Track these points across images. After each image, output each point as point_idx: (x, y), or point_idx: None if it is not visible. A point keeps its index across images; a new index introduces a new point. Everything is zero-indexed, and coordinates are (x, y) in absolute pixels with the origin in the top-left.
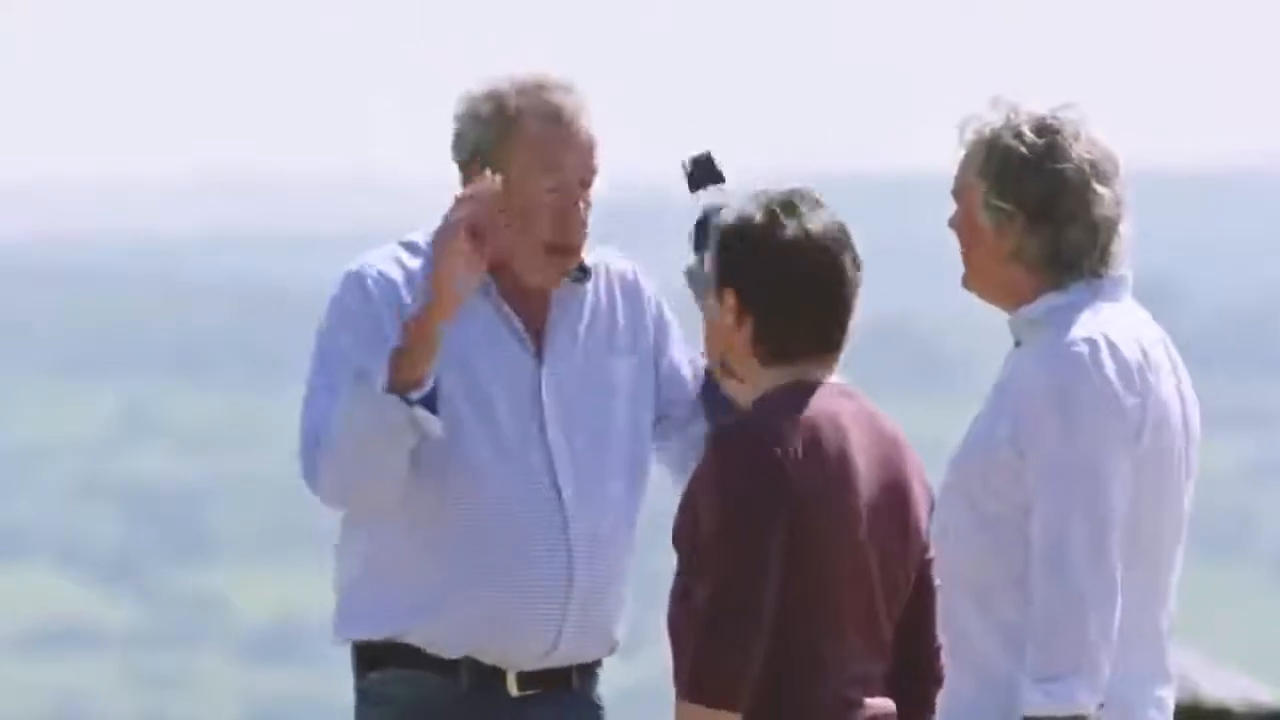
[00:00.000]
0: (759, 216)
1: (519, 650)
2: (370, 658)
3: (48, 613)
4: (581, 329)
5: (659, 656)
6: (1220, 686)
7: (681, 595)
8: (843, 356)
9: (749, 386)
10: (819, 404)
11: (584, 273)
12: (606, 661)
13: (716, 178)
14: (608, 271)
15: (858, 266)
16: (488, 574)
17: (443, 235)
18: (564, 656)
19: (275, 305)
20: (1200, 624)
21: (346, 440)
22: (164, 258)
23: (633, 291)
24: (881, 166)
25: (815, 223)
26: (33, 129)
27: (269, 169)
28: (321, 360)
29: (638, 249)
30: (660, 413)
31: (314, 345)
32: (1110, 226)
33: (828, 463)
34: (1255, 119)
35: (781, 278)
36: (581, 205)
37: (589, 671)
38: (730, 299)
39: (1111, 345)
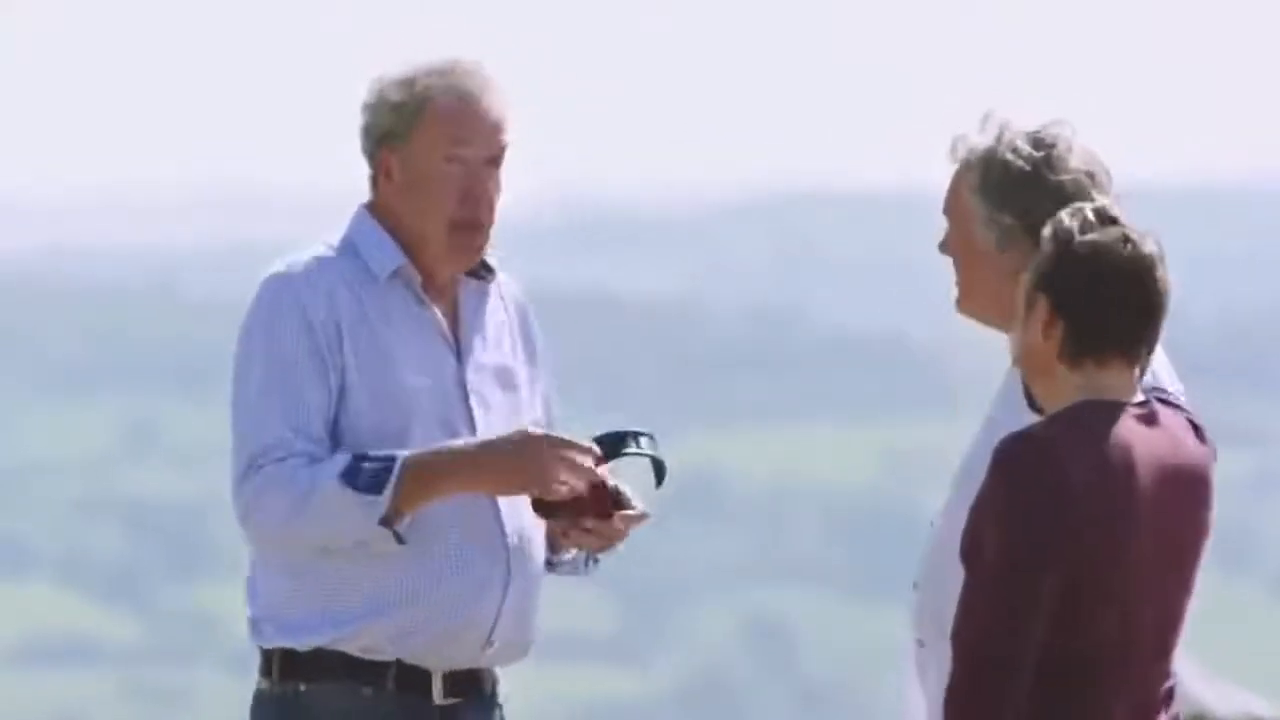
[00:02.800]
0: (1075, 224)
1: (457, 645)
2: (294, 666)
3: (48, 627)
4: (489, 330)
5: (669, 668)
6: (1222, 701)
7: (966, 613)
8: (834, 369)
9: (1050, 400)
10: (1113, 427)
11: (489, 270)
12: (604, 669)
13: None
14: (500, 285)
15: (1168, 279)
16: (429, 575)
17: (541, 469)
18: (495, 654)
19: None
20: (1201, 639)
21: (310, 529)
22: (167, 273)
23: (523, 311)
24: (883, 180)
25: (1132, 231)
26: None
27: (273, 184)
28: (258, 367)
29: (637, 252)
30: None
31: (243, 347)
32: None
33: (1111, 492)
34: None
35: (1096, 282)
36: (490, 184)
37: (495, 676)
38: (1042, 305)
39: (1152, 374)
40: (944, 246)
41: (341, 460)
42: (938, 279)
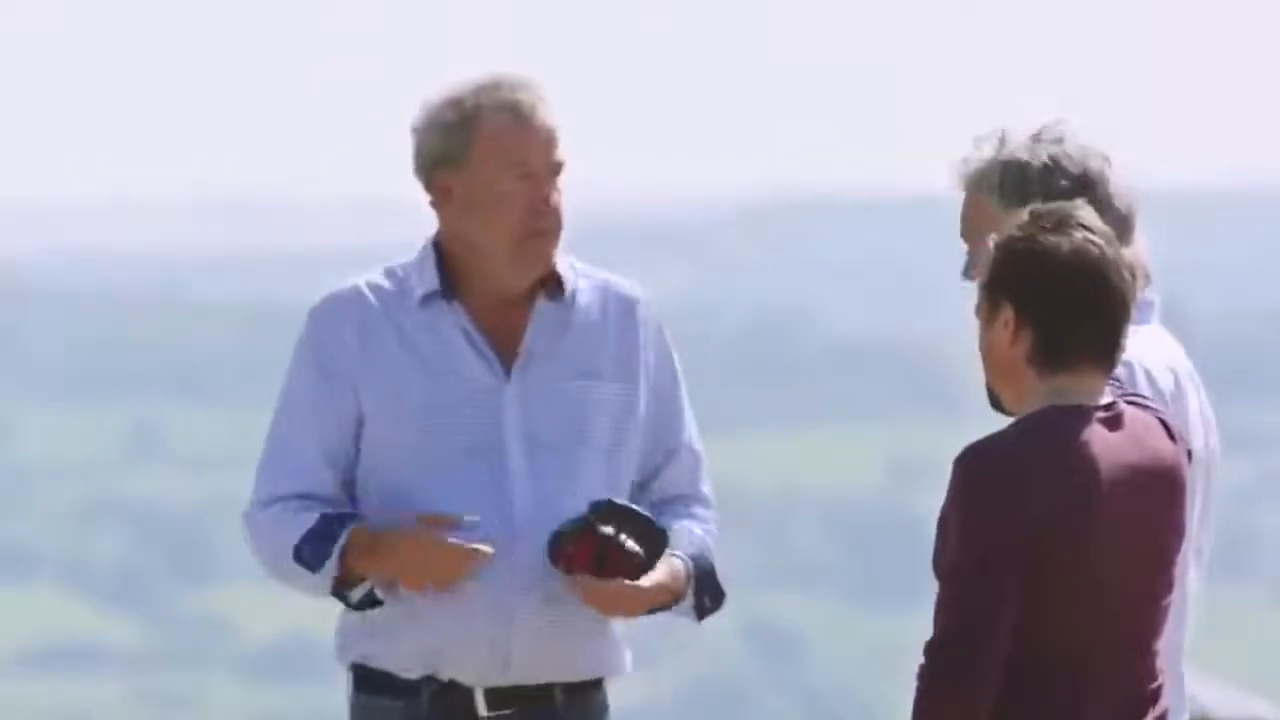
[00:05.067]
0: (1033, 229)
1: (473, 663)
2: (359, 680)
3: (53, 631)
4: (561, 346)
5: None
6: (1225, 705)
7: (935, 619)
8: (836, 375)
9: (1015, 404)
10: (1075, 433)
11: (563, 289)
12: (630, 677)
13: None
14: (607, 296)
15: (1133, 278)
16: (428, 595)
17: (445, 565)
18: (527, 670)
19: (281, 325)
20: (1203, 643)
21: (287, 583)
22: (170, 278)
23: (625, 324)
24: (884, 186)
25: (1095, 233)
26: (38, 146)
27: (276, 188)
28: (280, 405)
29: (638, 260)
30: (644, 468)
31: (275, 419)
32: (1126, 230)
33: (1071, 501)
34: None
35: (1059, 286)
36: (552, 195)
37: (579, 691)
38: (1007, 310)
39: (1148, 373)
40: (968, 271)
41: (306, 524)
42: (939, 284)
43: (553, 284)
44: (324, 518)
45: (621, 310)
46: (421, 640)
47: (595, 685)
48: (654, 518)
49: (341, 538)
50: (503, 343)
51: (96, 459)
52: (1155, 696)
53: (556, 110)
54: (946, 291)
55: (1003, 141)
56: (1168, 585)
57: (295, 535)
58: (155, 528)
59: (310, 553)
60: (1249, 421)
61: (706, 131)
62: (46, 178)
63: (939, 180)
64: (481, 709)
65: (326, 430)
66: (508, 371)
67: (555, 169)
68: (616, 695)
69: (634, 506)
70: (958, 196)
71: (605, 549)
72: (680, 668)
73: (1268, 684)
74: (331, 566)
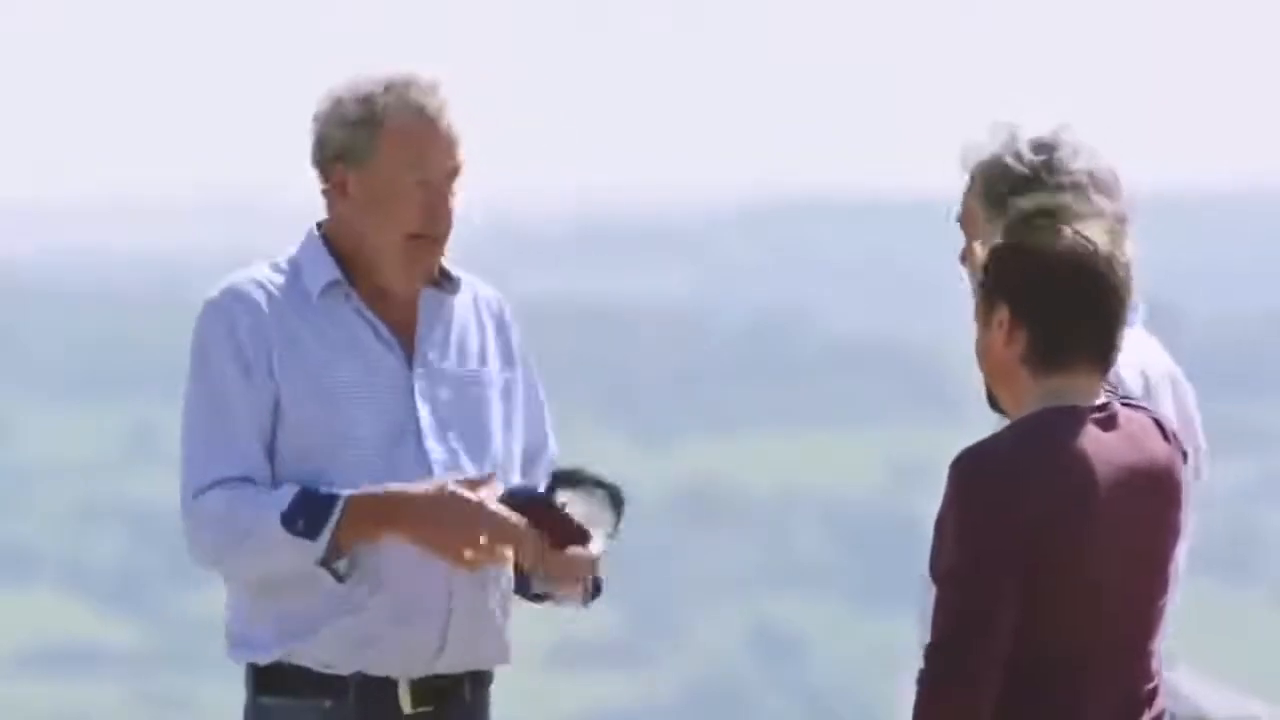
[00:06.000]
0: (1026, 228)
1: (410, 651)
2: (263, 681)
3: (51, 633)
4: (453, 337)
5: (676, 674)
6: (1223, 706)
7: (934, 622)
8: (836, 375)
9: (1013, 405)
10: (1071, 435)
11: (452, 281)
12: (610, 677)
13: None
14: (476, 295)
15: (1128, 276)
16: (373, 581)
17: (447, 542)
18: (455, 659)
19: None
20: (1201, 645)
21: (245, 564)
22: (169, 278)
23: (500, 320)
24: (885, 187)
25: (1086, 232)
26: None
27: (277, 188)
28: (195, 397)
29: (639, 261)
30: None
31: (188, 376)
32: (1116, 240)
33: (1068, 502)
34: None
35: (1054, 286)
36: (450, 199)
37: (481, 682)
38: (1003, 311)
39: (1115, 373)
40: (963, 257)
41: (285, 497)
42: (939, 285)
43: (439, 274)
44: (304, 489)
45: (493, 307)
46: (358, 630)
47: (489, 677)
48: (608, 480)
49: (338, 506)
50: (399, 330)
51: (96, 460)
52: (1152, 697)
53: (461, 115)
54: (947, 293)
55: (1007, 140)
56: (1163, 586)
57: (278, 506)
58: (155, 529)
59: (305, 523)
60: (1248, 423)
61: (706, 132)
62: (46, 178)
63: (939, 181)
64: (406, 706)
65: (255, 416)
66: (409, 358)
67: (454, 173)
68: (618, 696)
69: (589, 472)
70: (962, 180)
71: (553, 517)
72: (680, 668)
73: (1268, 685)
74: (330, 533)
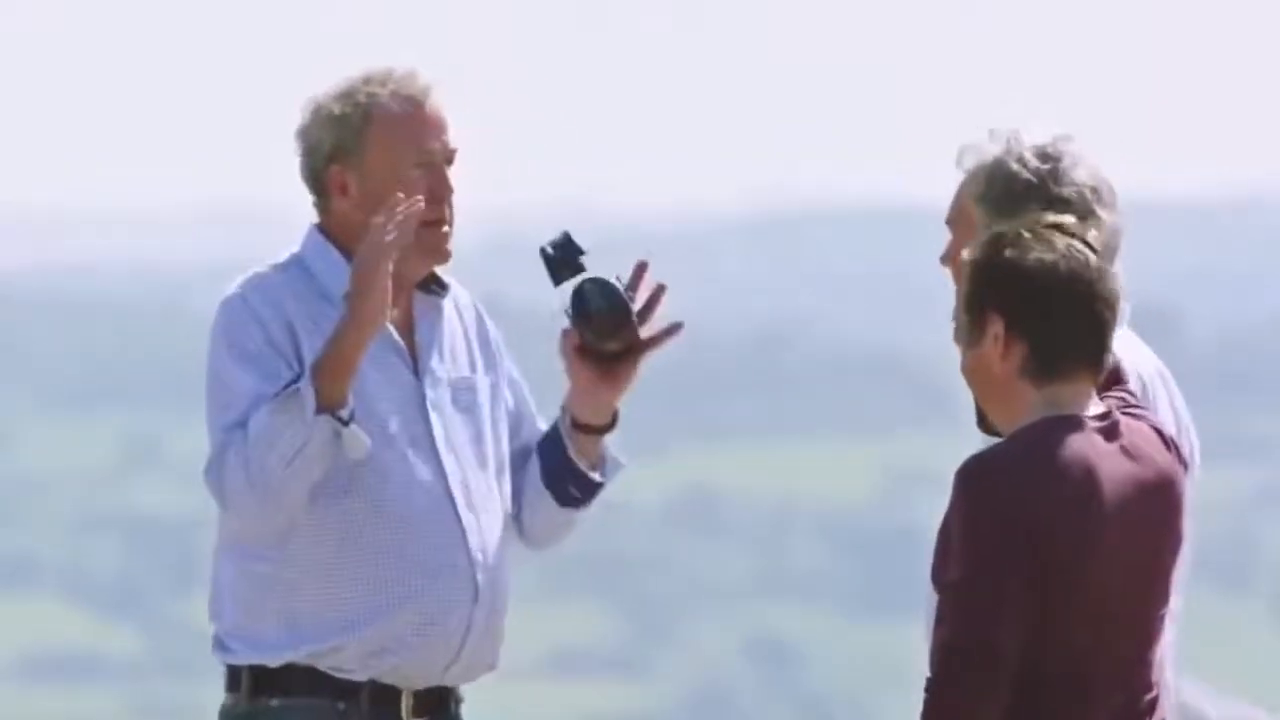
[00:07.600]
0: (1012, 240)
1: (426, 663)
2: (267, 682)
3: (50, 642)
4: (446, 344)
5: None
6: (1225, 715)
7: (937, 628)
8: (835, 385)
9: (1008, 420)
10: (1074, 443)
11: (442, 286)
12: (607, 685)
13: (576, 263)
14: (456, 298)
15: (1118, 284)
16: (398, 592)
17: (374, 255)
18: (462, 672)
19: None
20: (1202, 654)
21: (272, 459)
22: (167, 288)
23: (476, 319)
24: (882, 195)
25: (1078, 242)
26: (35, 157)
27: (278, 199)
28: (227, 400)
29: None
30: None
31: (210, 381)
32: (1110, 253)
33: (1073, 510)
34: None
35: (1050, 295)
36: (449, 183)
37: (459, 695)
38: (996, 324)
39: (1136, 381)
40: (946, 258)
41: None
42: (937, 294)
43: (428, 277)
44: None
45: (469, 307)
46: (381, 638)
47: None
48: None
49: (306, 369)
50: (399, 333)
51: (96, 469)
52: (1153, 707)
53: (445, 99)
54: (946, 303)
55: (1009, 145)
56: (1164, 595)
57: (269, 406)
58: (155, 538)
59: (289, 397)
60: (1249, 430)
61: (706, 132)
62: (47, 187)
63: (938, 189)
64: (405, 716)
65: (278, 377)
66: (414, 365)
67: (450, 156)
68: (616, 704)
69: (611, 281)
70: (957, 178)
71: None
72: (677, 676)
73: (1266, 697)
74: (309, 378)
